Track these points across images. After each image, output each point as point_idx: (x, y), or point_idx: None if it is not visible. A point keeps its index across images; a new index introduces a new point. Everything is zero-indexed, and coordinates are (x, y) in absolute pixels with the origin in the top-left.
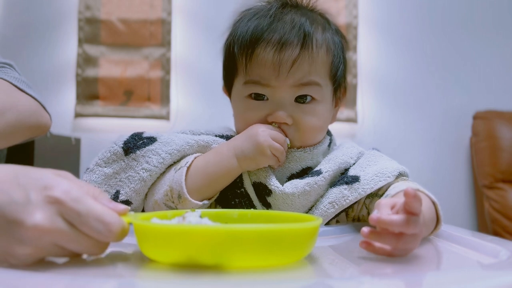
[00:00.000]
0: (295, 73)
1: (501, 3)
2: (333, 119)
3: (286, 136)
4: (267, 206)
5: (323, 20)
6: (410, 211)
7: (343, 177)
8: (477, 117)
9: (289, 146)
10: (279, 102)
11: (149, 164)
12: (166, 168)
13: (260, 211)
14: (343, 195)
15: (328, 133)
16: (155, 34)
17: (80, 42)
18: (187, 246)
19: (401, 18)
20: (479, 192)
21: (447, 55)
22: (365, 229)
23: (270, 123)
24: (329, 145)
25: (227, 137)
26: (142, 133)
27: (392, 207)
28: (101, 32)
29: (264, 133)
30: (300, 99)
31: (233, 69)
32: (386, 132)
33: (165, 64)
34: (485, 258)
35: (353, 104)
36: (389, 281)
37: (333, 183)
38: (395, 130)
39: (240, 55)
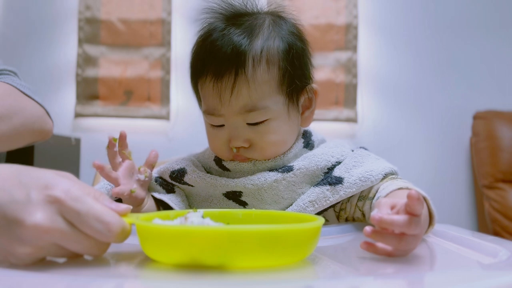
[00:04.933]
0: (237, 99)
1: (501, 3)
2: (306, 121)
3: (248, 158)
4: (244, 204)
5: (270, 22)
6: (411, 212)
7: (327, 177)
8: (477, 117)
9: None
10: (233, 128)
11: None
12: None
13: (264, 211)
14: (324, 196)
15: (304, 135)
16: (155, 34)
17: (80, 42)
18: (189, 247)
19: (401, 18)
20: (479, 192)
21: (447, 55)
22: (367, 228)
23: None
24: (306, 147)
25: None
26: None
27: (392, 207)
28: (101, 32)
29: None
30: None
31: (196, 95)
32: (386, 132)
33: (165, 64)
34: (485, 258)
35: (353, 104)
36: (389, 281)
37: (315, 182)
38: (395, 130)
39: (192, 85)
